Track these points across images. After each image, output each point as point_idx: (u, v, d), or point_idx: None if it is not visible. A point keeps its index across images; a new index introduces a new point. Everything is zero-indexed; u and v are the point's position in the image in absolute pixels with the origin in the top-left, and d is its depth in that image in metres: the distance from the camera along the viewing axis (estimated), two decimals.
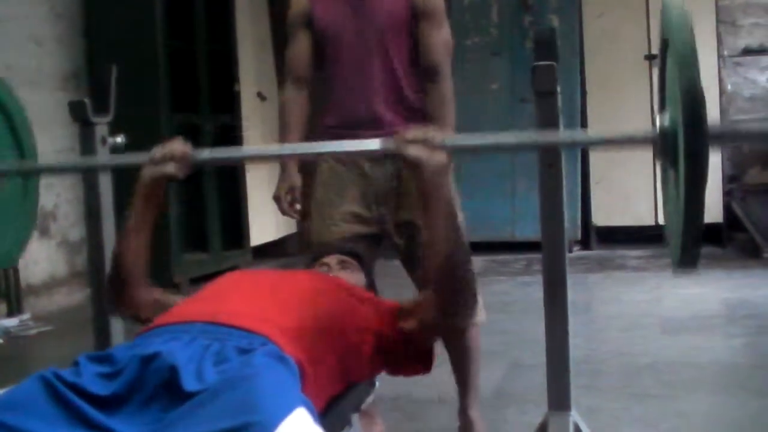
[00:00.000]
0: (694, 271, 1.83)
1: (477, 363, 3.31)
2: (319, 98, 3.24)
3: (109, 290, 2.30)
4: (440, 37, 3.13)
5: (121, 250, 2.26)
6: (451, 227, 2.08)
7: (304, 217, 3.31)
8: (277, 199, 3.29)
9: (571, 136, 2.15)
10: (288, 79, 3.27)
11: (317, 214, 3.21)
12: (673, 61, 1.76)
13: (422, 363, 2.27)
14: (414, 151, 2.04)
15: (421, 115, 3.12)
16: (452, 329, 2.20)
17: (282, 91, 3.32)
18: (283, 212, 3.30)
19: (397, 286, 3.14)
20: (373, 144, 2.29)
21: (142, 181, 2.24)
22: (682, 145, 1.71)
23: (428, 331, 2.21)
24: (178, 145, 2.26)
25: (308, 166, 3.31)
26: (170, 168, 2.22)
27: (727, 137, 1.86)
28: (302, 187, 3.26)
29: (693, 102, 1.67)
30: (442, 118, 3.09)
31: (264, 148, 2.54)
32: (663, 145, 1.85)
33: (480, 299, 3.22)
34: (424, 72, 3.14)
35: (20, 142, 2.70)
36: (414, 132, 2.07)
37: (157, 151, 2.24)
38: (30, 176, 2.73)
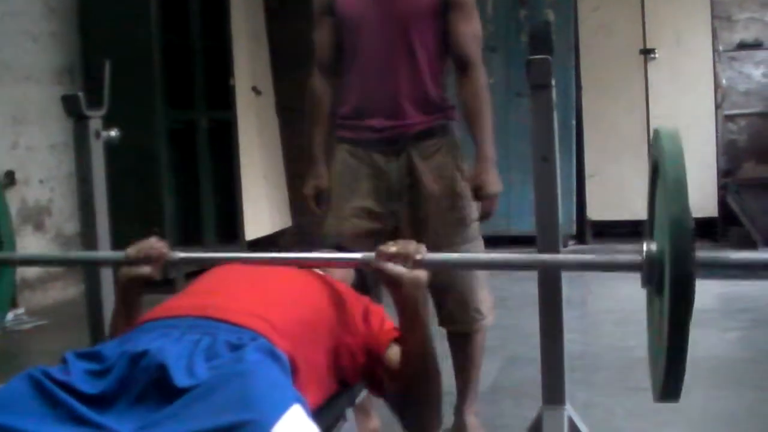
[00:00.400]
0: (676, 402, 1.85)
1: (479, 367, 3.32)
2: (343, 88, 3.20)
3: None
4: (471, 28, 3.05)
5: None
6: (423, 341, 2.11)
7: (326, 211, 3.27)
8: (305, 197, 3.27)
9: (560, 260, 2.17)
10: (314, 66, 3.23)
11: (332, 208, 3.18)
12: (662, 190, 1.76)
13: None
14: (393, 269, 2.06)
15: (440, 111, 3.09)
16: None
17: (310, 79, 3.25)
18: (312, 210, 3.28)
19: None
20: (352, 257, 2.25)
21: (119, 283, 2.22)
22: (668, 276, 1.70)
23: (393, 399, 2.21)
24: (154, 245, 2.24)
25: (329, 151, 3.25)
26: (146, 270, 2.20)
27: (714, 266, 1.86)
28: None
29: (682, 234, 1.67)
30: (478, 110, 3.04)
31: (239, 254, 2.51)
32: (649, 273, 1.86)
33: (490, 299, 3.25)
34: (456, 64, 3.08)
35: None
36: (395, 248, 2.09)
37: (132, 251, 2.22)
38: (6, 266, 2.64)
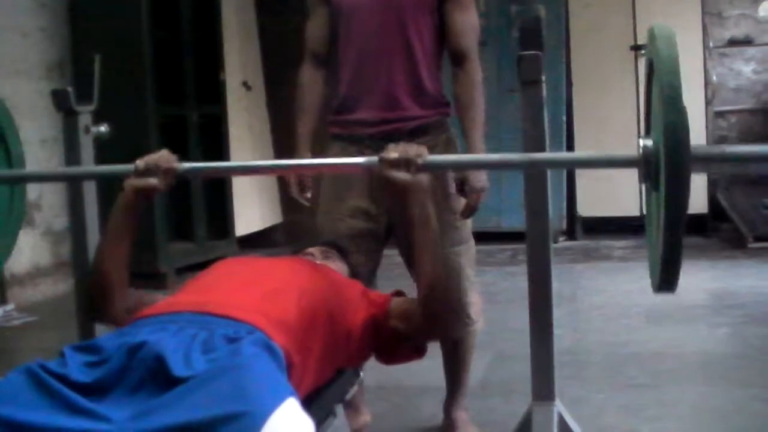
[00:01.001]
0: (672, 293, 1.87)
1: (468, 368, 3.33)
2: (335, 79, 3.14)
3: (88, 297, 2.27)
4: (468, 20, 3.01)
5: (101, 261, 2.24)
6: (435, 248, 2.16)
7: (314, 203, 3.19)
8: (287, 184, 3.14)
9: (554, 157, 2.16)
10: (305, 57, 3.16)
11: (324, 207, 3.12)
12: (657, 88, 1.77)
13: (415, 351, 2.32)
14: (398, 176, 2.08)
15: (436, 106, 3.05)
16: (443, 336, 2.25)
17: (301, 69, 3.18)
18: (294, 196, 3.15)
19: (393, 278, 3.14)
20: (356, 163, 2.28)
21: (125, 191, 2.23)
22: (663, 168, 1.73)
23: (416, 338, 2.27)
24: (164, 157, 2.25)
25: (322, 146, 3.17)
26: (153, 180, 2.22)
27: (710, 160, 1.87)
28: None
29: (675, 126, 1.68)
30: (471, 104, 2.98)
31: (247, 162, 2.55)
32: (646, 168, 1.87)
33: (479, 302, 3.22)
34: (452, 57, 3.03)
35: (8, 151, 2.68)
36: (396, 152, 2.10)
37: (141, 163, 2.24)
38: (16, 184, 2.70)
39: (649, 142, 1.86)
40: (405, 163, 2.08)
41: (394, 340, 2.25)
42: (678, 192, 1.70)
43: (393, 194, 2.15)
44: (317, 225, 3.14)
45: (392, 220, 3.04)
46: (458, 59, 3.01)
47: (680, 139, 1.68)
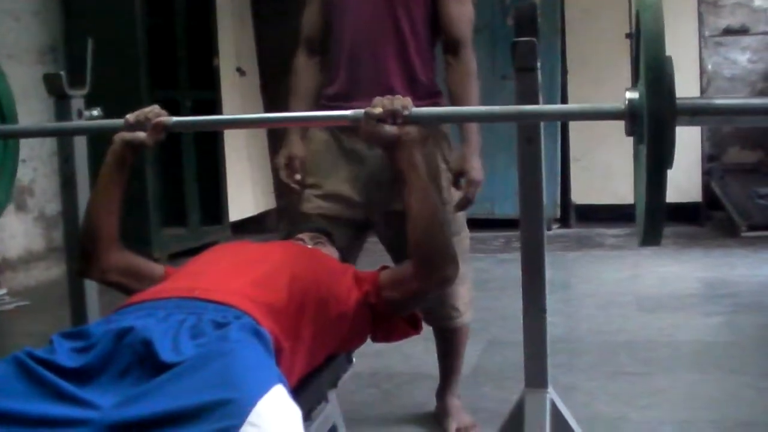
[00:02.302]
0: (657, 245, 1.86)
1: (461, 357, 3.32)
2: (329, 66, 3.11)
3: (79, 249, 2.29)
4: (463, 9, 2.97)
5: (91, 210, 2.28)
6: (427, 197, 2.16)
7: (303, 187, 3.11)
8: (276, 167, 3.10)
9: (540, 110, 2.15)
10: (300, 45, 3.13)
11: (305, 186, 3.06)
12: (642, 37, 1.77)
13: (411, 325, 2.33)
14: (384, 129, 2.09)
15: (429, 96, 2.97)
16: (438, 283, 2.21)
17: (296, 57, 3.15)
18: (283, 180, 3.07)
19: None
20: (342, 116, 2.28)
21: (114, 145, 2.26)
22: (646, 120, 1.73)
23: (412, 302, 2.26)
24: (154, 111, 2.30)
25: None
26: (142, 134, 2.26)
27: (696, 112, 1.87)
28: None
29: (658, 75, 1.69)
30: (465, 94, 2.94)
31: (236, 116, 2.57)
32: (631, 121, 1.87)
33: (469, 295, 3.18)
34: (445, 45, 2.98)
35: (0, 107, 2.70)
36: (380, 108, 2.10)
37: (131, 117, 2.28)
38: (7, 138, 2.71)
39: (635, 95, 1.86)
40: (391, 116, 2.09)
41: (389, 314, 2.25)
42: (661, 143, 1.71)
43: (380, 147, 2.16)
44: (302, 203, 3.08)
45: (372, 216, 3.00)
46: (453, 47, 2.98)
47: (663, 90, 1.69)
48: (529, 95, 2.14)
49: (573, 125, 7.79)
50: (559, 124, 7.65)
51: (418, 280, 2.17)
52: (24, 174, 6.27)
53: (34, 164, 6.36)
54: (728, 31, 8.22)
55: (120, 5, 6.45)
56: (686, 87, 7.44)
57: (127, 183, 2.29)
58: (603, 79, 7.62)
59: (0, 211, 2.85)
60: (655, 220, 1.79)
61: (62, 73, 2.59)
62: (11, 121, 2.74)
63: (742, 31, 8.22)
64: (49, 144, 6.21)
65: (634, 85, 1.92)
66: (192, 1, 7.19)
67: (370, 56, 2.95)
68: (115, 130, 2.29)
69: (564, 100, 7.72)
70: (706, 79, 7.80)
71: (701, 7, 7.77)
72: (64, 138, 2.63)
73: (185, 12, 7.12)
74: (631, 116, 1.87)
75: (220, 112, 7.30)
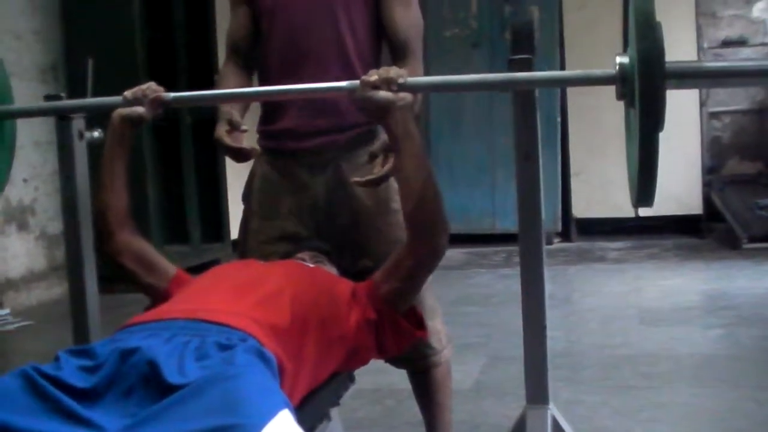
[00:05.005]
0: (650, 206, 1.90)
1: (445, 406, 2.90)
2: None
3: (95, 230, 2.39)
4: (408, 15, 2.68)
5: (98, 189, 2.35)
6: (422, 163, 2.19)
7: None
8: (218, 140, 2.58)
9: (533, 76, 2.17)
10: (226, 58, 2.85)
11: (254, 225, 2.81)
12: (632, 3, 1.80)
13: (416, 325, 2.32)
14: (379, 94, 2.12)
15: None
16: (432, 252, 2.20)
17: (221, 68, 2.88)
18: (230, 152, 2.58)
19: None
20: (338, 87, 2.28)
21: (112, 122, 2.35)
22: (637, 84, 1.76)
23: (409, 286, 2.26)
24: (151, 87, 2.36)
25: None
26: (140, 110, 2.33)
27: (685, 75, 1.90)
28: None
29: (648, 39, 1.73)
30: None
31: (233, 90, 2.58)
32: (623, 85, 1.91)
33: (444, 330, 2.83)
34: (392, 53, 2.71)
35: None
36: (375, 76, 2.13)
37: (129, 93, 2.35)
38: (4, 119, 2.73)
39: (625, 59, 1.90)
40: (386, 83, 2.12)
41: (391, 314, 2.24)
42: (651, 105, 1.74)
43: (375, 115, 2.17)
44: (248, 249, 2.83)
45: (323, 245, 2.66)
46: (400, 54, 2.69)
47: (652, 54, 1.72)
48: (526, 111, 2.15)
49: (572, 137, 7.81)
50: (558, 136, 7.67)
51: (411, 255, 2.20)
52: (26, 193, 6.29)
53: (36, 183, 6.38)
54: (727, 43, 8.23)
55: (120, 21, 6.48)
56: (685, 98, 7.47)
57: (129, 161, 2.37)
58: (602, 92, 7.60)
59: None
60: (647, 181, 1.83)
61: (63, 93, 2.61)
62: (7, 100, 2.76)
63: (741, 42, 8.23)
64: (51, 163, 6.24)
65: (625, 51, 1.95)
66: (191, 16, 7.22)
67: (307, 68, 2.67)
68: (114, 107, 2.37)
69: (563, 111, 7.75)
70: (704, 92, 7.81)
71: (700, 18, 7.79)
72: (65, 157, 2.62)
73: (184, 27, 7.14)
74: (622, 80, 1.91)
75: None
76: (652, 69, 1.73)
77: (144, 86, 2.36)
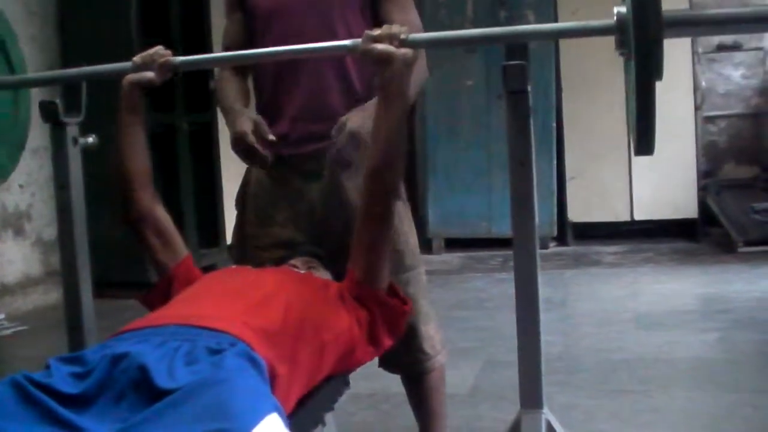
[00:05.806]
0: (650, 155, 1.88)
1: (439, 413, 2.90)
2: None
3: (119, 197, 2.45)
4: (406, 19, 2.59)
5: (117, 155, 2.43)
6: (403, 126, 2.23)
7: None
8: (242, 135, 2.58)
9: (533, 29, 2.20)
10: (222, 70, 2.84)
11: (250, 230, 2.84)
12: None
13: (401, 302, 2.34)
14: (381, 48, 2.13)
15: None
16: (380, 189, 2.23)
17: (218, 76, 2.88)
18: (250, 152, 2.59)
19: None
20: (342, 46, 2.30)
21: (123, 89, 2.44)
22: (633, 34, 1.76)
23: (372, 255, 2.29)
24: (159, 51, 2.44)
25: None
26: (149, 74, 2.42)
27: (682, 23, 1.92)
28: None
29: None
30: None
31: (239, 53, 2.60)
32: (621, 35, 1.91)
33: (439, 335, 2.82)
34: None
35: (8, 57, 2.74)
36: (379, 30, 2.14)
37: (138, 59, 2.43)
38: (19, 89, 2.76)
39: (623, 9, 1.90)
40: (388, 38, 2.14)
41: (375, 293, 2.27)
42: (649, 54, 1.74)
43: (375, 64, 2.18)
44: (242, 247, 2.87)
45: (317, 250, 2.65)
46: None
47: (650, 2, 1.73)
48: (520, 117, 2.15)
49: (568, 141, 7.82)
50: (554, 141, 7.67)
51: (364, 224, 2.26)
52: (21, 199, 6.29)
53: (32, 189, 6.38)
54: (721, 48, 8.24)
55: (116, 29, 6.46)
56: (680, 104, 7.49)
57: (145, 123, 2.48)
58: (597, 95, 7.64)
59: (13, 165, 2.88)
60: (646, 129, 1.83)
61: (57, 100, 2.60)
62: (20, 69, 2.79)
63: (735, 47, 8.24)
64: (47, 169, 6.23)
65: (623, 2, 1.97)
66: (188, 24, 7.21)
67: (303, 73, 2.68)
68: (123, 73, 2.45)
69: (559, 118, 7.75)
70: (700, 96, 7.82)
71: None
72: (60, 164, 2.63)
73: (181, 34, 7.13)
74: (620, 30, 1.91)
75: (216, 135, 7.32)
76: (650, 19, 1.74)
77: (152, 51, 2.43)
